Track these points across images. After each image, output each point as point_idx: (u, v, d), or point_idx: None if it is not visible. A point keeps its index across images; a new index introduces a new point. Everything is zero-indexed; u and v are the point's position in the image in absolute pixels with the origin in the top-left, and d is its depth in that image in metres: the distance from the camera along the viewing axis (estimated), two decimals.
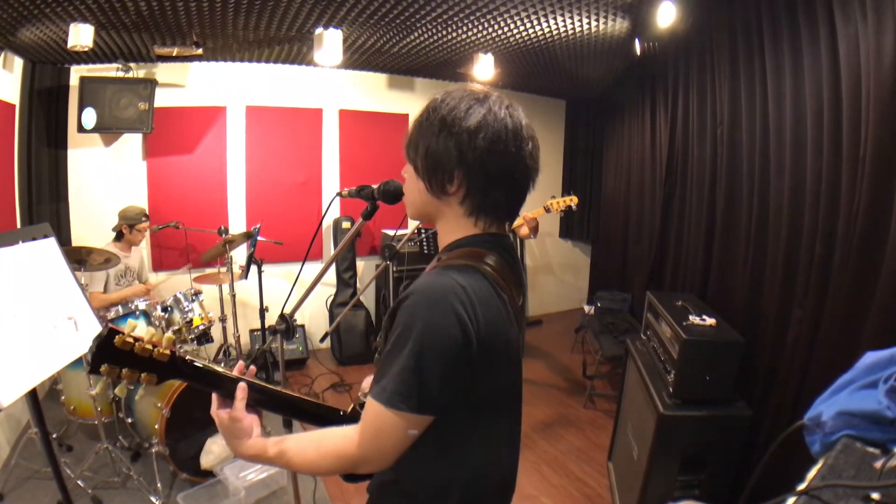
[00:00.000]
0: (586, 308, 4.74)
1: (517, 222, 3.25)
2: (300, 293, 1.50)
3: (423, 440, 0.84)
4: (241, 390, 0.91)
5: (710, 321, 2.30)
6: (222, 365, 3.19)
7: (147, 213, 3.46)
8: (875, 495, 0.68)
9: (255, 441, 0.90)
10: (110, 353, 0.80)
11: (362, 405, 1.05)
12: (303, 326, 4.51)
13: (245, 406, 0.91)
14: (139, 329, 2.84)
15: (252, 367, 0.98)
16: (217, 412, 0.91)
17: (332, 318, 4.68)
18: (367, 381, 1.17)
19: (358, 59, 4.19)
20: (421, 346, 0.78)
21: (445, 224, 0.94)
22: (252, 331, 4.30)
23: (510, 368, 0.93)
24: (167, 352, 0.85)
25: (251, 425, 0.91)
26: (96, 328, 1.67)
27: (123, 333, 0.81)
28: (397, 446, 0.83)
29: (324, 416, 1.04)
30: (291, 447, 0.89)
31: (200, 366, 0.90)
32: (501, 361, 0.88)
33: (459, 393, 0.82)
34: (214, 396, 0.92)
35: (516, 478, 1.03)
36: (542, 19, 3.14)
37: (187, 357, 0.89)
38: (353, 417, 1.03)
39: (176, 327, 3.01)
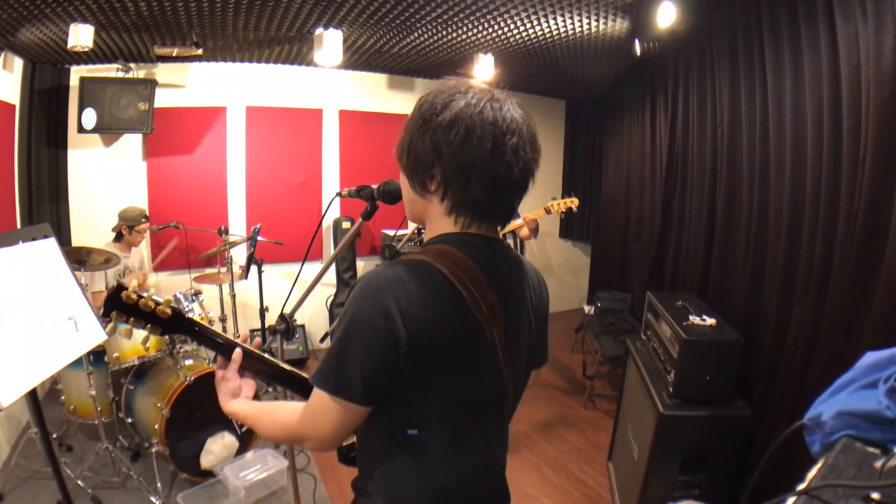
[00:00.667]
0: (586, 308, 4.74)
1: (516, 224, 3.25)
2: (300, 293, 1.51)
3: (398, 445, 0.87)
4: (237, 355, 1.02)
5: (710, 321, 2.29)
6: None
7: (147, 214, 3.46)
8: (875, 495, 0.68)
9: (237, 402, 1.01)
10: (119, 304, 0.94)
11: None
12: (303, 326, 4.52)
13: (238, 370, 1.02)
14: (138, 332, 2.85)
15: (257, 339, 1.10)
16: (217, 372, 1.03)
17: (332, 318, 4.68)
18: None
19: (358, 59, 4.19)
20: (347, 332, 0.80)
21: (431, 223, 0.91)
22: (252, 331, 4.29)
23: (468, 375, 0.86)
24: (168, 310, 0.98)
25: (238, 388, 1.02)
26: (96, 328, 1.67)
27: (128, 290, 0.95)
28: (331, 429, 0.84)
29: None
30: (256, 412, 0.98)
31: (199, 325, 1.02)
32: (449, 366, 0.84)
33: (397, 390, 0.81)
34: (219, 357, 1.04)
35: (504, 483, 1.00)
36: (542, 19, 3.14)
37: (188, 316, 1.02)
38: None
39: None
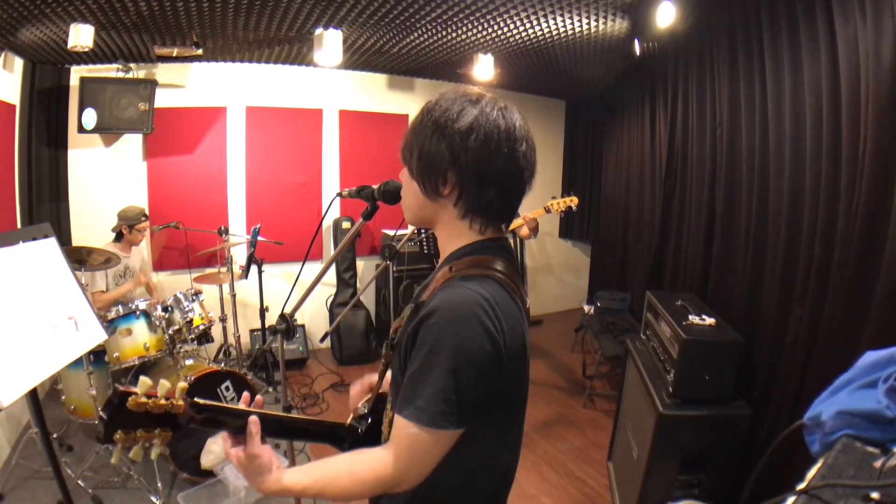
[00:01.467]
0: (586, 308, 4.74)
1: (517, 223, 3.25)
2: (300, 293, 1.51)
3: None
4: (254, 424, 0.85)
5: (709, 321, 2.30)
6: (223, 365, 3.19)
7: (146, 212, 3.47)
8: (875, 495, 0.68)
9: (277, 475, 0.85)
10: (124, 417, 0.74)
11: (363, 416, 1.06)
12: (303, 326, 4.52)
13: (260, 441, 0.86)
14: (139, 332, 2.85)
15: (259, 398, 0.94)
16: (233, 452, 0.85)
17: (332, 318, 4.68)
18: (355, 389, 1.16)
19: (358, 59, 4.19)
20: (456, 364, 0.78)
21: (443, 228, 0.94)
22: (252, 331, 4.30)
23: (526, 368, 0.94)
24: (181, 403, 0.79)
25: (270, 459, 0.86)
26: (97, 328, 1.67)
27: (136, 394, 0.75)
28: (434, 463, 0.83)
29: (326, 434, 1.05)
30: (321, 477, 0.86)
31: (218, 406, 0.85)
32: (520, 366, 0.90)
33: (488, 400, 0.84)
34: (225, 434, 0.87)
35: (515, 470, 1.04)
36: (542, 19, 3.14)
37: (200, 400, 0.84)
38: (351, 429, 1.05)
39: (176, 327, 3.01)
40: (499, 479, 0.97)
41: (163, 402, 0.77)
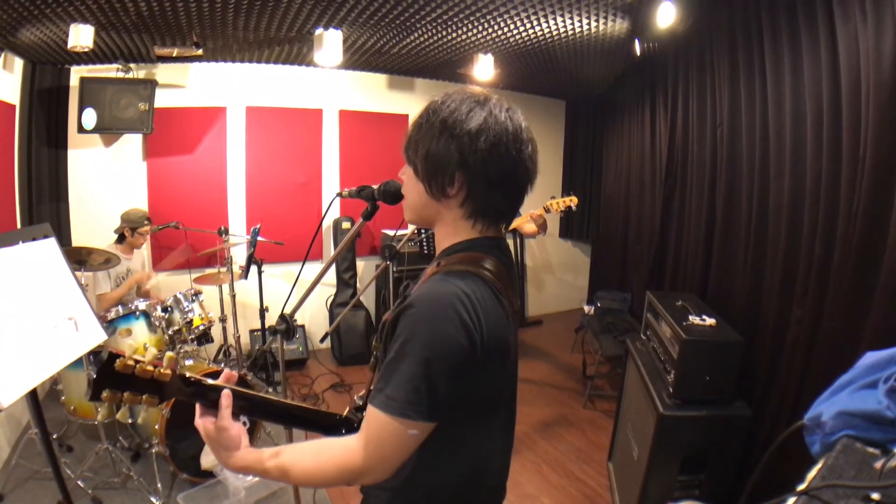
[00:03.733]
0: (586, 308, 4.74)
1: (521, 220, 3.24)
2: (300, 293, 1.51)
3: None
4: (226, 398, 0.87)
5: (709, 321, 2.29)
6: (222, 366, 3.20)
7: (149, 216, 3.47)
8: (875, 495, 0.68)
9: (245, 452, 0.87)
10: (112, 377, 0.79)
11: (357, 408, 1.05)
12: (303, 327, 4.52)
13: (231, 414, 0.87)
14: (138, 332, 2.85)
15: (228, 372, 0.96)
16: (202, 422, 0.87)
17: (332, 318, 4.68)
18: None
19: (358, 59, 4.19)
20: (429, 354, 0.78)
21: (444, 227, 0.94)
22: (252, 331, 4.30)
23: (507, 372, 0.93)
24: (168, 371, 0.83)
25: (239, 435, 0.87)
26: (96, 328, 1.67)
27: (124, 356, 0.80)
28: (402, 455, 0.82)
29: (319, 422, 1.03)
30: (287, 459, 0.86)
31: (200, 381, 0.88)
32: (500, 365, 0.89)
33: (461, 397, 0.82)
34: (197, 406, 0.88)
35: (507, 479, 1.04)
36: (542, 20, 3.14)
37: (188, 374, 0.87)
38: (348, 420, 1.03)
39: (176, 328, 3.01)
40: (484, 485, 0.96)
41: (149, 367, 0.81)
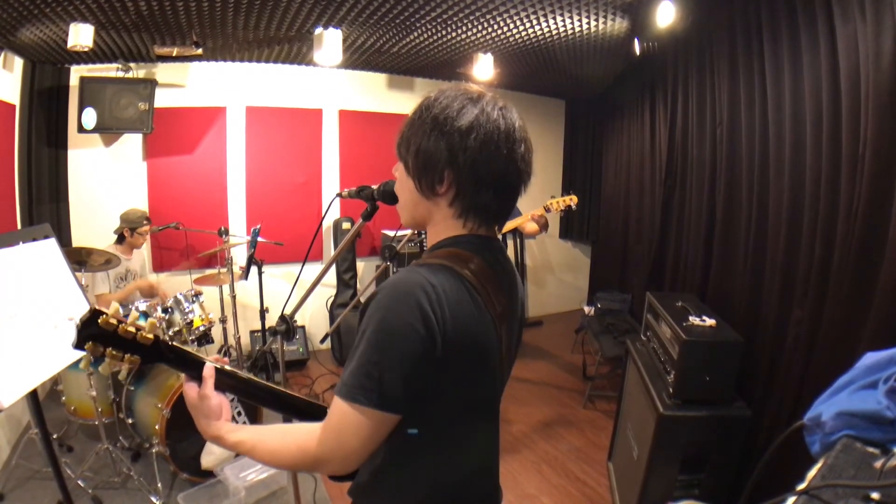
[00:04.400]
0: (586, 309, 4.74)
1: (522, 219, 3.24)
2: (300, 294, 1.50)
3: (398, 446, 0.83)
4: (209, 369, 0.92)
5: (709, 322, 2.30)
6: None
7: (148, 216, 3.47)
8: (875, 495, 0.68)
9: (222, 423, 0.91)
10: (94, 332, 0.82)
11: None
12: (303, 327, 4.51)
13: (214, 385, 0.91)
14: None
15: (224, 359, 1.00)
16: (186, 386, 0.92)
17: (332, 318, 4.68)
18: None
19: (358, 59, 4.19)
20: (383, 340, 0.77)
21: (434, 225, 0.93)
22: (252, 332, 4.30)
23: (487, 375, 0.89)
24: (150, 336, 0.86)
25: (220, 406, 0.92)
26: None
27: (107, 315, 0.83)
28: (360, 446, 0.80)
29: (305, 409, 1.02)
30: (254, 436, 0.89)
31: (183, 350, 0.92)
32: (474, 365, 0.85)
33: (425, 393, 0.80)
34: (185, 376, 0.93)
35: (498, 483, 1.01)
36: (542, 19, 3.14)
37: (171, 342, 0.90)
38: None
39: (176, 328, 3.01)
40: (471, 488, 0.94)
41: (130, 328, 0.85)
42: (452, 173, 0.85)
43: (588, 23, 3.21)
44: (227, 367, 0.96)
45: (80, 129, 3.55)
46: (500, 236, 1.00)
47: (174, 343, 0.91)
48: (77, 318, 0.82)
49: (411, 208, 0.94)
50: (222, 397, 0.94)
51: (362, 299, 4.63)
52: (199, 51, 3.47)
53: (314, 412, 1.02)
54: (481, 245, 0.90)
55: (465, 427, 0.89)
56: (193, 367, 0.92)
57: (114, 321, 0.83)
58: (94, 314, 0.82)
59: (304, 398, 1.06)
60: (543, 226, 3.20)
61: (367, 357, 0.77)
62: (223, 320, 3.66)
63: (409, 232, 3.74)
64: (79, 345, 0.82)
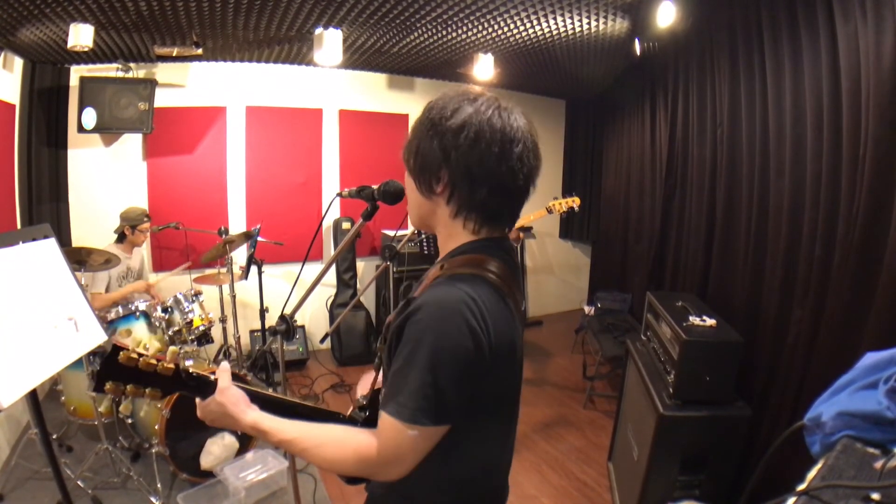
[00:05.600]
0: (586, 308, 4.74)
1: (522, 220, 3.25)
2: (300, 294, 1.50)
3: None
4: (223, 369, 0.93)
5: (710, 322, 2.29)
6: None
7: (148, 213, 3.47)
8: (875, 495, 0.68)
9: (260, 415, 0.90)
10: (115, 369, 0.80)
11: (361, 408, 1.05)
12: (303, 327, 4.52)
13: (231, 378, 0.92)
14: (138, 333, 2.85)
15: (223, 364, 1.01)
16: (203, 404, 0.91)
17: (332, 318, 4.68)
18: (363, 383, 1.16)
19: (358, 59, 4.19)
20: (437, 361, 0.78)
21: (441, 228, 0.95)
22: (252, 331, 4.30)
23: (514, 372, 0.93)
24: (171, 366, 0.85)
25: (242, 393, 0.92)
26: (97, 329, 1.67)
27: (128, 349, 0.81)
28: (417, 459, 0.83)
29: (322, 420, 1.02)
30: (310, 437, 0.88)
31: (202, 375, 0.90)
32: (509, 366, 0.89)
33: (471, 399, 0.83)
34: (198, 400, 0.91)
35: (508, 479, 1.04)
36: (542, 19, 3.14)
37: (191, 370, 0.89)
38: (351, 420, 1.03)
39: (176, 328, 3.01)
40: (492, 482, 0.97)
41: (152, 361, 0.83)
42: (447, 172, 0.87)
43: (588, 23, 3.21)
44: (245, 386, 0.95)
45: (80, 129, 3.55)
46: None
47: (196, 372, 0.90)
48: (93, 367, 0.81)
49: (416, 209, 0.96)
50: (238, 388, 0.93)
51: (362, 299, 4.66)
52: (199, 51, 3.48)
53: (331, 422, 1.01)
54: (496, 247, 0.92)
55: (492, 422, 0.92)
56: (211, 391, 0.91)
57: (135, 355, 0.81)
58: (114, 351, 0.80)
59: (320, 408, 1.05)
60: (515, 239, 3.24)
61: (422, 380, 0.79)
62: (223, 320, 3.65)
63: (409, 232, 3.74)
64: (98, 387, 0.80)
